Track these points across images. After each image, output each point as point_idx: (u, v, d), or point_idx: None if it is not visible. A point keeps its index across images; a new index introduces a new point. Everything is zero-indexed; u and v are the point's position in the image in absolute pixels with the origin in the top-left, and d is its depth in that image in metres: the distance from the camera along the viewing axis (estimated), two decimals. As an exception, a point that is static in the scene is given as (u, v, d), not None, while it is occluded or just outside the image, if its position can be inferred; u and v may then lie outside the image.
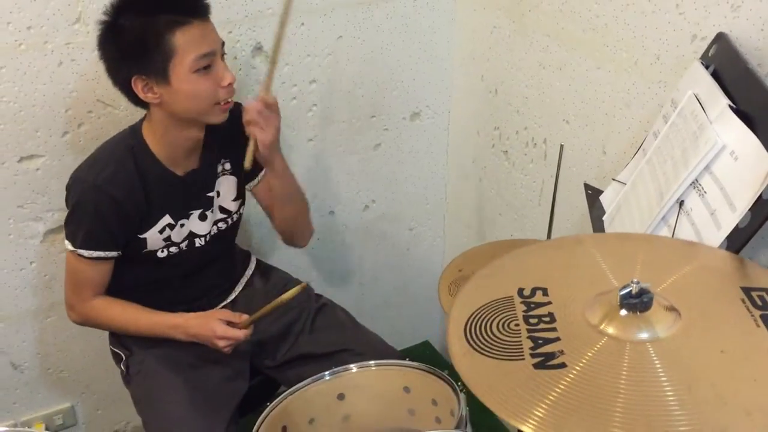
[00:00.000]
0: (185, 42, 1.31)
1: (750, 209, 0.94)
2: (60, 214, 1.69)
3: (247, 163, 1.46)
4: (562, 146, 1.45)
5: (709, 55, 1.19)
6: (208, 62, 1.35)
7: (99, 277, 1.47)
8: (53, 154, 1.63)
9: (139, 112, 1.60)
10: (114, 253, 1.45)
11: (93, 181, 1.39)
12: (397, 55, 1.94)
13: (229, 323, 1.45)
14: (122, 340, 1.57)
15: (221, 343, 1.43)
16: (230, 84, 1.38)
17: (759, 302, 0.83)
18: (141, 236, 1.46)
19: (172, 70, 1.33)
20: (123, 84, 1.38)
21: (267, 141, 1.43)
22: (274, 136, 1.44)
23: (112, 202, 1.39)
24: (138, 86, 1.35)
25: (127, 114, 1.65)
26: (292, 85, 1.84)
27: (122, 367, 1.57)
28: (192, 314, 1.51)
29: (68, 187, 1.44)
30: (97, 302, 1.49)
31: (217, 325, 1.43)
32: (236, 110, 1.58)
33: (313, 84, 1.87)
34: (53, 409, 1.92)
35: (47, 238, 1.71)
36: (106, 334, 1.62)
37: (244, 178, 1.61)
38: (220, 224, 1.58)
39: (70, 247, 1.44)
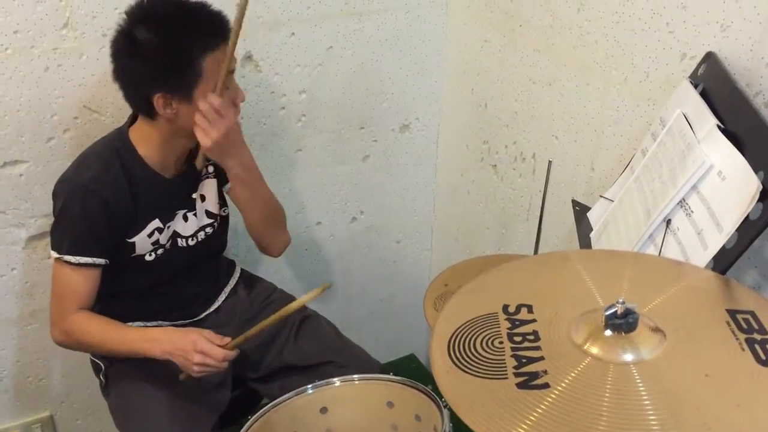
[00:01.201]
0: (214, 65, 1.34)
1: (737, 230, 0.93)
2: (43, 221, 1.67)
3: (198, 164, 1.47)
4: (550, 162, 1.45)
5: (698, 74, 1.19)
6: (228, 83, 1.38)
7: (85, 287, 1.42)
8: (38, 160, 1.61)
9: (125, 119, 1.59)
10: (101, 261, 1.42)
11: (80, 181, 1.37)
12: (388, 67, 1.94)
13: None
14: None
15: (197, 358, 1.35)
16: (241, 101, 1.42)
17: (744, 325, 0.82)
18: (129, 240, 1.44)
19: (197, 91, 1.34)
20: (141, 98, 1.36)
21: (207, 144, 1.38)
22: (215, 140, 1.37)
23: (99, 202, 1.37)
24: (159, 102, 1.34)
25: (113, 120, 1.63)
26: (281, 95, 1.83)
27: (101, 377, 1.55)
28: (173, 327, 1.47)
29: (54, 193, 1.42)
30: (78, 316, 1.43)
31: (198, 338, 1.37)
32: None
33: (303, 94, 1.86)
34: (32, 418, 1.89)
35: (29, 244, 1.69)
36: (87, 342, 1.60)
37: (220, 180, 1.60)
38: (207, 229, 1.57)
39: (55, 255, 1.41)
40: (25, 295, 1.74)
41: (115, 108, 1.63)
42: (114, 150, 1.42)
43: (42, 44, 1.52)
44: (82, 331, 1.43)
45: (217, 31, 1.35)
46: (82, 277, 1.42)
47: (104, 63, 1.54)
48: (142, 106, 1.39)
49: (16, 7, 1.47)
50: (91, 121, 1.63)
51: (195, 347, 1.36)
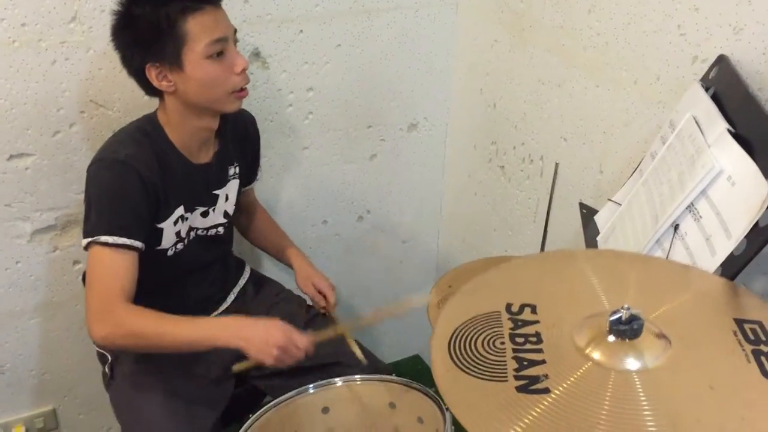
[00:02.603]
0: (198, 28, 1.31)
1: (746, 236, 0.92)
2: (48, 215, 1.67)
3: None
4: (557, 164, 1.43)
5: (710, 77, 1.18)
6: (221, 48, 1.35)
7: (126, 271, 1.33)
8: (43, 154, 1.61)
9: (131, 114, 1.59)
10: (138, 244, 1.35)
11: (115, 157, 1.35)
12: (396, 66, 1.92)
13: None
14: None
15: (282, 340, 1.29)
16: (243, 70, 1.38)
17: (751, 336, 0.80)
18: (159, 226, 1.42)
19: (185, 57, 1.32)
20: (137, 73, 1.37)
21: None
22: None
23: (136, 177, 1.34)
24: (152, 74, 1.34)
25: (119, 115, 1.63)
26: (289, 92, 1.83)
27: (106, 369, 1.54)
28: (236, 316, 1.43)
29: (88, 174, 1.37)
30: (130, 307, 1.32)
31: (284, 324, 1.33)
32: (250, 118, 1.63)
33: (311, 92, 1.85)
34: (34, 412, 1.89)
35: (34, 238, 1.69)
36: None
37: (242, 181, 1.62)
38: (219, 228, 1.57)
39: (89, 239, 1.32)
40: (29, 288, 1.74)
41: (122, 103, 1.63)
42: (144, 132, 1.41)
43: (49, 38, 1.51)
44: (138, 321, 1.31)
45: None
46: (121, 260, 1.33)
47: (111, 57, 1.54)
48: (144, 84, 1.38)
49: (24, 0, 1.46)
50: (98, 116, 1.63)
51: (283, 331, 1.32)
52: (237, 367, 1.40)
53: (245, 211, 1.76)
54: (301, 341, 1.34)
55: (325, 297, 1.66)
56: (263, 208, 1.82)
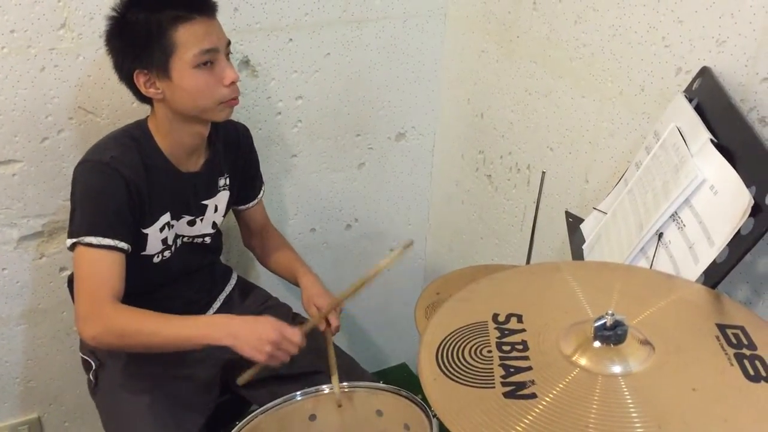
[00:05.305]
0: (187, 37, 1.32)
1: (728, 244, 0.93)
2: (35, 221, 1.66)
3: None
4: (543, 173, 1.45)
5: (693, 88, 1.20)
6: (210, 59, 1.34)
7: (112, 272, 1.34)
8: (31, 160, 1.61)
9: (120, 120, 1.59)
10: (124, 245, 1.36)
11: (100, 159, 1.35)
12: (385, 75, 1.94)
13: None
14: (94, 349, 1.53)
15: (274, 336, 1.31)
16: (233, 82, 1.38)
17: (733, 340, 0.82)
18: (144, 231, 1.42)
19: (173, 66, 1.32)
20: (127, 78, 1.37)
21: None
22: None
23: (120, 179, 1.34)
24: (140, 81, 1.35)
25: (108, 122, 1.63)
26: (278, 100, 1.83)
27: (91, 376, 1.54)
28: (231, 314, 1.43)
29: (74, 176, 1.38)
30: (118, 306, 1.33)
31: (274, 320, 1.35)
32: (242, 128, 1.62)
33: (299, 100, 1.86)
34: (19, 420, 1.88)
35: (21, 244, 1.68)
36: (77, 345, 1.59)
37: (237, 197, 1.62)
38: (206, 239, 1.57)
39: (73, 240, 1.33)
40: (15, 295, 1.73)
41: (111, 110, 1.63)
42: (132, 137, 1.41)
43: (39, 44, 1.51)
44: (128, 320, 1.32)
45: (189, 2, 1.33)
46: (107, 261, 1.34)
47: (100, 64, 1.54)
48: (134, 91, 1.39)
49: (13, 7, 1.46)
50: (86, 122, 1.63)
51: (274, 327, 1.33)
52: (242, 378, 1.40)
53: (257, 234, 1.75)
54: (294, 335, 1.35)
55: (327, 319, 1.57)
56: (278, 232, 1.78)
